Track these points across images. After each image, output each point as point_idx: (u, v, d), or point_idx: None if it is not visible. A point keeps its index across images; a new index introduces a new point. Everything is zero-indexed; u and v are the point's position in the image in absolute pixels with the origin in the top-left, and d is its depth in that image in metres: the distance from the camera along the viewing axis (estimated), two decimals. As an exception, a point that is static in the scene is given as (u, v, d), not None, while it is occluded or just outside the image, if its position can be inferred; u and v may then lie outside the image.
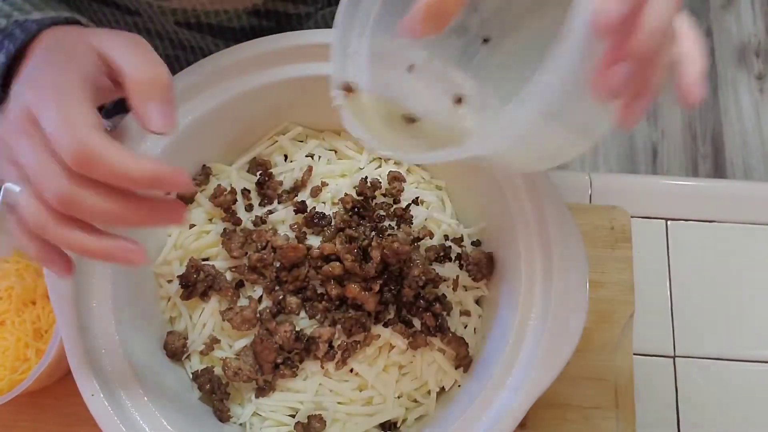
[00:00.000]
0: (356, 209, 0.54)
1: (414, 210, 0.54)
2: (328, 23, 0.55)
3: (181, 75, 0.50)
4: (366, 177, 0.55)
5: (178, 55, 0.54)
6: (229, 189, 0.54)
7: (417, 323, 0.51)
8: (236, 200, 0.54)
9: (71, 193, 0.33)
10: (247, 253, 0.52)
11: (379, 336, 0.50)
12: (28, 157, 0.34)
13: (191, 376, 0.51)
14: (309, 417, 0.49)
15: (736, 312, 0.61)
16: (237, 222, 0.54)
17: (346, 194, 0.54)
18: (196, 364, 0.52)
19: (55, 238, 0.35)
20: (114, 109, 0.61)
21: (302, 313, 0.51)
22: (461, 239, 0.55)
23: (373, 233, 0.52)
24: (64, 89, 0.35)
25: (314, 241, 0.53)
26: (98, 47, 0.37)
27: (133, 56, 0.37)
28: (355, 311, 0.50)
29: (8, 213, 0.36)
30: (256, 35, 0.53)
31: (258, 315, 0.50)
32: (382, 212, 0.54)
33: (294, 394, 0.50)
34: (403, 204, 0.55)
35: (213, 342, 0.52)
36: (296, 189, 0.55)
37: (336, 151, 0.58)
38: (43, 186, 0.33)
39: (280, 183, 0.55)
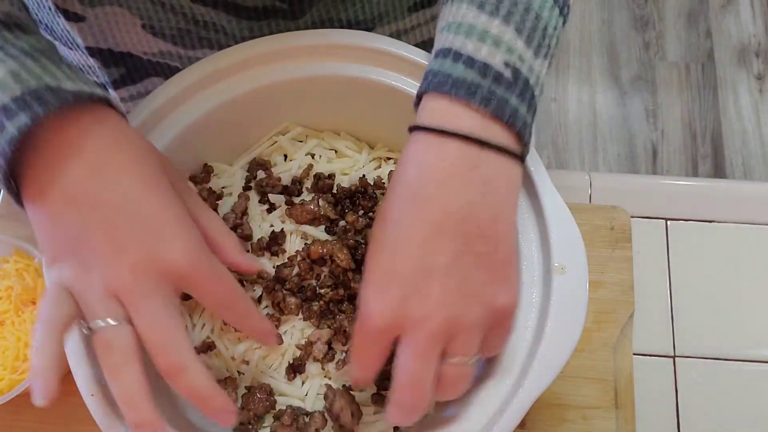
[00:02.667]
0: (352, 198, 0.54)
1: None
2: (338, 8, 0.55)
3: (181, 74, 0.50)
4: (364, 176, 0.55)
5: (190, 29, 0.54)
6: (218, 192, 0.54)
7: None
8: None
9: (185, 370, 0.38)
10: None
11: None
12: (148, 319, 0.37)
13: None
14: (309, 416, 0.49)
15: (736, 312, 0.61)
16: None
17: (339, 186, 0.54)
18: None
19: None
20: (121, 80, 0.61)
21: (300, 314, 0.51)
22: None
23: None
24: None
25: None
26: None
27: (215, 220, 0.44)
28: (353, 310, 0.50)
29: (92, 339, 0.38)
30: (269, 15, 0.53)
31: (258, 315, 0.50)
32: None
33: (294, 399, 0.50)
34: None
35: (208, 347, 0.52)
36: (295, 186, 0.55)
37: (336, 151, 0.58)
38: (164, 352, 0.38)
39: (279, 179, 0.55)
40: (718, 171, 1.53)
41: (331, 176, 0.55)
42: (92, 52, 0.56)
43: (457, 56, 0.39)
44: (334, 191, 0.55)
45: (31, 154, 0.37)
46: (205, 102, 0.51)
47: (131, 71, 0.59)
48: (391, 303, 0.37)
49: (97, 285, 0.37)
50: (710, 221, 0.64)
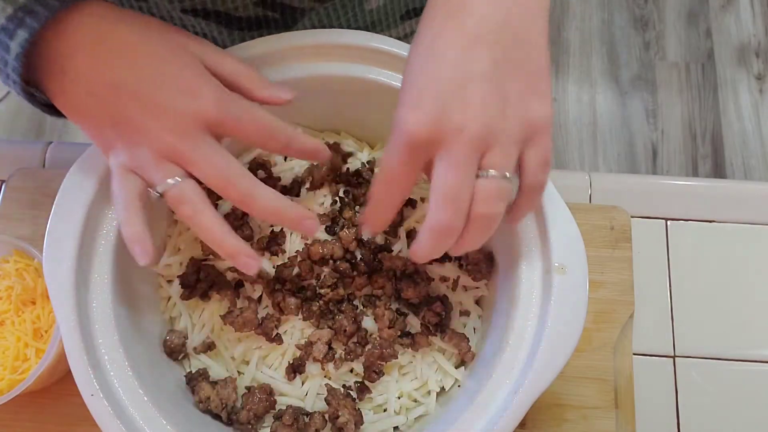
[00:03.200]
0: (347, 191, 0.54)
1: (406, 212, 0.55)
2: (330, 17, 0.55)
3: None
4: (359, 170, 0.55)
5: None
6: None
7: (417, 323, 0.51)
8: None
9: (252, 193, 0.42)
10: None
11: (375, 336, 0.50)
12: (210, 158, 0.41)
13: (185, 378, 0.51)
14: (309, 417, 0.49)
15: (736, 312, 0.61)
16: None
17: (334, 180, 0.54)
18: (196, 363, 0.52)
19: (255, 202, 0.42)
20: None
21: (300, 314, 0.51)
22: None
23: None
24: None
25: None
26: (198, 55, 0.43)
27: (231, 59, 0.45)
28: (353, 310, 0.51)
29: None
30: (261, 26, 0.53)
31: (258, 317, 0.50)
32: None
33: (294, 399, 0.50)
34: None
35: (208, 347, 0.52)
36: (295, 185, 0.55)
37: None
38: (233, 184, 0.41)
39: (279, 179, 0.55)
40: (718, 171, 1.53)
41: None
42: None
43: None
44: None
45: (44, 62, 0.40)
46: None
47: None
48: (428, 114, 0.36)
49: (149, 156, 0.40)
50: (710, 221, 0.64)
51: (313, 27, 0.55)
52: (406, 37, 0.63)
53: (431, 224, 0.38)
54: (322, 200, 0.54)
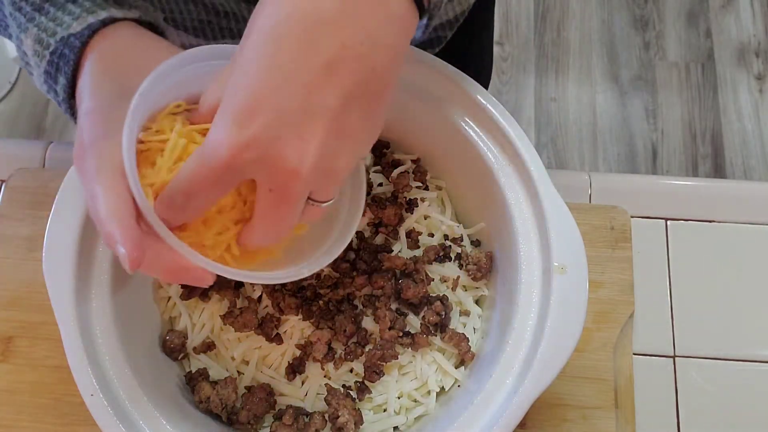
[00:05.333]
0: None
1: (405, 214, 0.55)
2: None
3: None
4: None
5: (211, 21, 0.53)
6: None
7: (416, 324, 0.51)
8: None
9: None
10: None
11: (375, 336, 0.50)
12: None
13: (185, 378, 0.51)
14: (309, 417, 0.49)
15: (736, 312, 0.61)
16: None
17: None
18: (196, 363, 0.52)
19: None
20: None
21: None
22: (461, 239, 0.55)
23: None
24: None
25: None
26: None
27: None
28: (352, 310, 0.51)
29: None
30: None
31: (258, 317, 0.50)
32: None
33: (294, 399, 0.50)
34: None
35: (208, 347, 0.52)
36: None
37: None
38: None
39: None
40: (718, 171, 1.53)
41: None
42: None
43: None
44: None
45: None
46: (205, 102, 0.51)
47: None
48: (257, 144, 0.31)
49: None
50: (710, 221, 0.64)
51: None
52: None
53: (255, 239, 0.37)
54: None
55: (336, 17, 0.32)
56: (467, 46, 0.72)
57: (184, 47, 0.56)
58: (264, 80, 0.31)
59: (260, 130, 0.31)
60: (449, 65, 0.49)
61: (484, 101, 0.48)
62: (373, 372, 0.49)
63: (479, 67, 0.81)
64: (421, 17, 0.36)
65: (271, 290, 0.51)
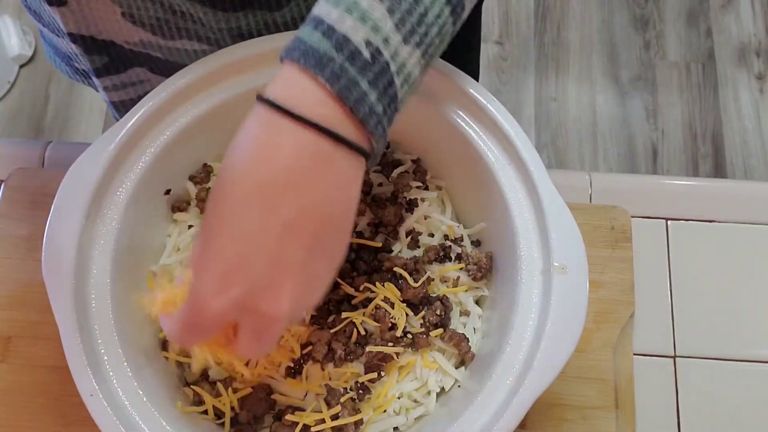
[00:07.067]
0: None
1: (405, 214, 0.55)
2: (310, 6, 0.55)
3: (182, 73, 0.50)
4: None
5: (168, 19, 0.54)
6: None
7: (416, 324, 0.51)
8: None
9: None
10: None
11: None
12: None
13: (184, 382, 0.51)
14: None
15: (736, 312, 0.61)
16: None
17: None
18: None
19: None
20: (104, 69, 0.61)
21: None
22: (461, 239, 0.55)
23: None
24: None
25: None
26: None
27: None
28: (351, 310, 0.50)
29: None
30: (245, 6, 0.52)
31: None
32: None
33: (294, 399, 0.50)
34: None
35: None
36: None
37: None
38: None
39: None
40: (719, 171, 1.53)
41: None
42: (74, 38, 0.56)
43: (318, 23, 0.37)
44: None
45: None
46: (205, 101, 0.51)
47: (114, 60, 0.59)
48: (235, 300, 0.36)
49: None
50: (710, 221, 0.64)
51: (301, 14, 0.54)
52: None
53: (244, 356, 0.42)
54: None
55: (290, 184, 0.35)
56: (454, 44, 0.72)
57: (143, 44, 0.57)
58: (233, 248, 0.36)
59: (239, 294, 0.36)
60: (446, 63, 0.49)
61: (484, 101, 0.48)
62: (373, 372, 0.49)
63: (467, 64, 0.81)
64: (367, 161, 0.38)
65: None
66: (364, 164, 0.38)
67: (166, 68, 0.60)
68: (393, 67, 0.38)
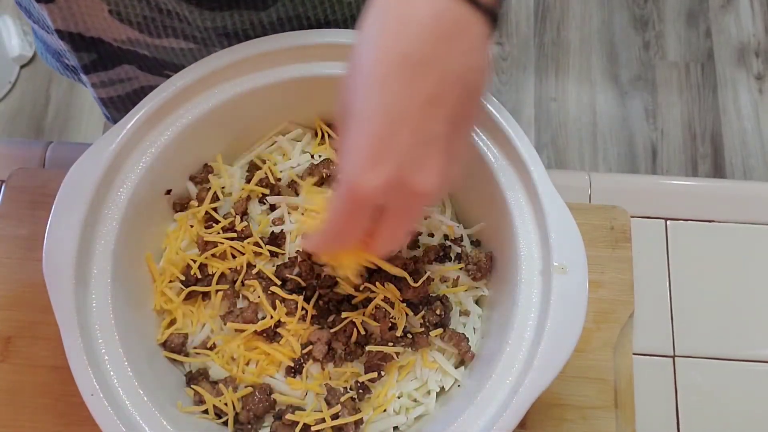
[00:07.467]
0: None
1: None
2: (306, 5, 0.55)
3: (182, 74, 0.50)
4: None
5: (154, 17, 0.54)
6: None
7: (416, 323, 0.51)
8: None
9: None
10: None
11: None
12: None
13: (185, 378, 0.51)
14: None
15: (736, 312, 0.61)
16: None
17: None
18: (196, 363, 0.52)
19: None
20: (92, 66, 0.61)
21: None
22: (461, 239, 0.55)
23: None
24: None
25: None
26: None
27: None
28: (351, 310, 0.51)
29: None
30: (231, 5, 0.52)
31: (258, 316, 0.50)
32: None
33: (294, 399, 0.50)
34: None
35: (208, 347, 0.52)
36: (294, 184, 0.55)
37: (337, 150, 0.58)
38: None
39: (279, 179, 0.55)
40: (718, 171, 1.53)
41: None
42: (62, 35, 0.56)
43: None
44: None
45: None
46: (205, 102, 0.51)
47: (103, 57, 0.59)
48: (387, 175, 0.35)
49: None
50: (710, 221, 0.64)
51: (287, 14, 0.54)
52: None
53: (386, 247, 0.41)
54: (323, 199, 0.54)
55: (428, 57, 0.35)
56: None
57: (130, 41, 0.57)
58: (380, 125, 0.35)
59: (388, 168, 0.35)
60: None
61: (484, 101, 0.48)
62: (373, 372, 0.49)
63: None
64: (494, 26, 0.38)
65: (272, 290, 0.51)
66: (491, 32, 0.38)
67: (153, 66, 0.60)
68: None
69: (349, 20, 0.58)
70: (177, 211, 0.55)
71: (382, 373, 0.50)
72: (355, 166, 0.36)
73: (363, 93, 0.36)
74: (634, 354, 0.59)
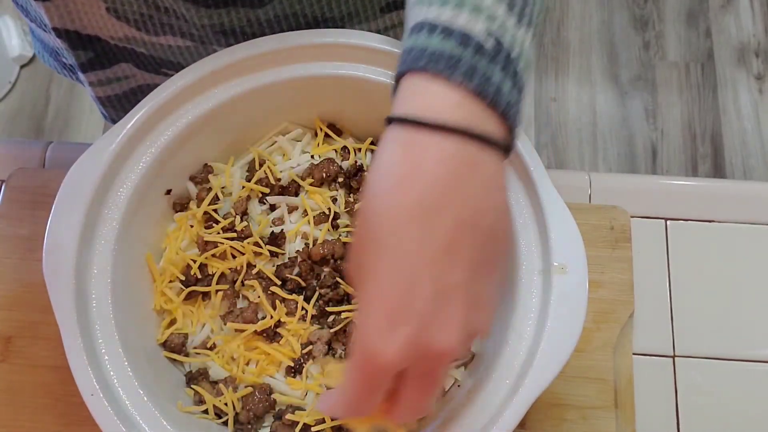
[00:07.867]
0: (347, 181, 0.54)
1: None
2: (303, 3, 0.55)
3: (182, 74, 0.50)
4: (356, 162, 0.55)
5: (152, 15, 0.54)
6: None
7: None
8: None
9: None
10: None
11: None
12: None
13: (185, 378, 0.51)
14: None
15: (736, 312, 0.61)
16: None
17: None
18: (196, 363, 0.52)
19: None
20: (89, 64, 0.61)
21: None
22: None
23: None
24: None
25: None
26: None
27: None
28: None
29: None
30: (228, 3, 0.52)
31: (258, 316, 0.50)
32: None
33: (294, 399, 0.50)
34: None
35: (208, 347, 0.52)
36: (294, 185, 0.55)
37: (336, 151, 0.58)
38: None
39: (279, 179, 0.55)
40: (718, 171, 1.53)
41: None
42: (59, 33, 0.56)
43: (431, 27, 0.35)
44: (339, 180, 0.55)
45: None
46: (205, 102, 0.51)
47: (100, 55, 0.59)
48: (405, 341, 0.33)
49: None
50: (710, 221, 0.64)
51: (284, 12, 0.54)
52: (387, 30, 0.61)
53: (408, 416, 0.36)
54: (323, 199, 0.54)
55: (441, 201, 0.33)
56: None
57: (128, 39, 0.57)
58: (394, 284, 0.33)
59: (408, 334, 0.33)
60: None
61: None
62: None
63: None
64: (507, 156, 0.36)
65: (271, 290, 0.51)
66: (505, 165, 0.36)
67: (151, 64, 0.60)
68: (515, 53, 0.36)
69: (346, 17, 0.58)
70: (177, 211, 0.55)
71: None
72: (371, 331, 0.33)
73: (374, 248, 0.34)
74: (634, 354, 0.59)
